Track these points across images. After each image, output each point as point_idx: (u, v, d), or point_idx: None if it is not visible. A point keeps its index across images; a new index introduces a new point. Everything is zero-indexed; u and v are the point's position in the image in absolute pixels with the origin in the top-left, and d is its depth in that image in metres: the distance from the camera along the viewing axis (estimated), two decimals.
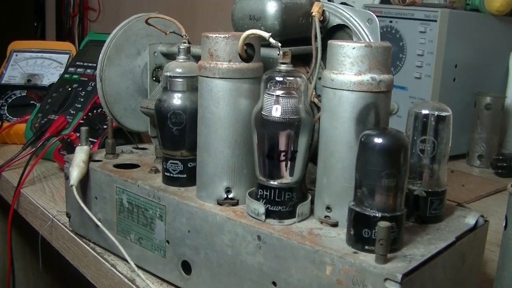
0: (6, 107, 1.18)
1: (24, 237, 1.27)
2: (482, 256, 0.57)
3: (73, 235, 0.74)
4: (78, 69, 1.13)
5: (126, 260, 0.61)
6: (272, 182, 0.51)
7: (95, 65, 0.83)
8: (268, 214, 0.51)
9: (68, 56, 1.30)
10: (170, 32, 0.73)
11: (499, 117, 1.08)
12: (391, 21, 1.10)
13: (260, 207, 0.51)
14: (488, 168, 1.05)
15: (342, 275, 0.44)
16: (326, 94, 0.50)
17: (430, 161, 0.55)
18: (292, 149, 0.51)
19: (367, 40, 0.60)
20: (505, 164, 1.01)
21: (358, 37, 0.61)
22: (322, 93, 0.51)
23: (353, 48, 0.48)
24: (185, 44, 0.64)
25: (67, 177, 0.69)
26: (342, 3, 0.99)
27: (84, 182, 0.68)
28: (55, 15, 2.56)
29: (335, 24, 0.63)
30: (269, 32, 0.53)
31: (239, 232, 0.52)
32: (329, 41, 0.51)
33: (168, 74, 0.61)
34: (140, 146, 0.78)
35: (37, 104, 1.14)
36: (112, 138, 0.72)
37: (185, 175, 0.61)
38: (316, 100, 0.58)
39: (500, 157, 1.03)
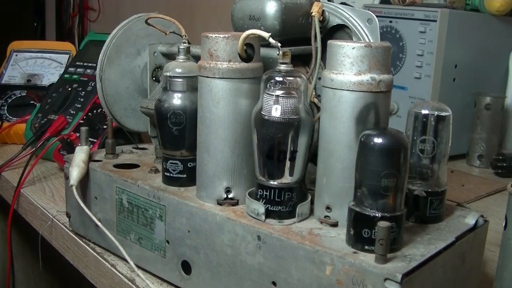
0: (6, 107, 1.18)
1: (24, 237, 1.27)
2: (482, 256, 0.57)
3: (73, 235, 0.74)
4: (78, 69, 1.13)
5: (126, 260, 0.61)
6: (272, 182, 0.51)
7: (95, 65, 0.83)
8: (268, 214, 0.51)
9: (68, 56, 1.30)
10: (170, 32, 0.73)
11: (499, 117, 1.08)
12: (391, 21, 1.10)
13: (260, 207, 0.51)
14: (488, 168, 1.05)
15: (342, 275, 0.44)
16: (325, 94, 0.50)
17: (430, 161, 0.55)
18: (292, 149, 0.51)
19: (367, 40, 0.60)
20: (505, 164, 1.01)
21: (358, 37, 0.61)
22: (322, 93, 0.51)
23: (352, 48, 0.48)
24: (185, 44, 0.64)
25: (67, 177, 0.69)
26: (342, 3, 0.99)
27: (84, 182, 0.68)
28: (55, 15, 2.56)
29: (335, 24, 0.63)
30: (269, 32, 0.53)
31: (239, 232, 0.52)
32: (329, 41, 0.51)
33: (168, 74, 0.61)
34: (140, 146, 0.78)
35: (37, 104, 1.14)
36: (112, 138, 0.72)
37: (185, 175, 0.61)
38: (316, 100, 0.58)
39: (500, 157, 1.03)
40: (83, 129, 0.71)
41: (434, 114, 0.54)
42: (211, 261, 0.55)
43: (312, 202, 0.53)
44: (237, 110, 0.54)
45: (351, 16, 0.61)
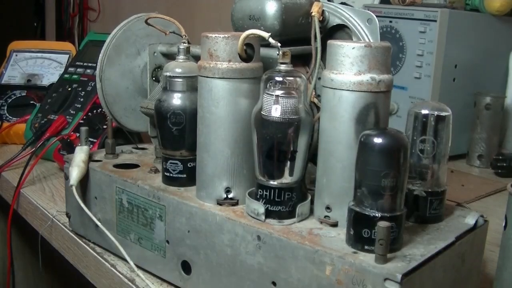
0: (6, 107, 1.18)
1: (24, 237, 1.27)
2: (482, 256, 0.57)
3: (73, 235, 0.74)
4: (78, 69, 1.13)
5: (126, 260, 0.61)
6: (271, 182, 0.51)
7: (95, 65, 0.83)
8: (268, 214, 0.51)
9: (68, 56, 1.30)
10: (170, 32, 0.73)
11: (499, 117, 1.08)
12: (391, 21, 1.10)
13: (259, 207, 0.51)
14: (488, 168, 1.05)
15: (341, 275, 0.44)
16: (325, 94, 0.50)
17: (430, 161, 0.55)
18: (292, 149, 0.51)
19: (367, 40, 0.60)
20: (505, 164, 1.01)
21: (357, 37, 0.61)
22: (321, 93, 0.51)
23: (352, 48, 0.48)
24: (184, 44, 0.64)
25: (67, 177, 0.69)
26: (342, 3, 0.99)
27: (84, 182, 0.68)
28: (55, 15, 2.56)
29: (334, 24, 0.63)
30: (268, 32, 0.53)
31: (239, 232, 0.52)
32: (329, 41, 0.51)
33: (168, 74, 0.61)
34: (140, 146, 0.78)
35: (37, 104, 1.14)
36: (112, 138, 0.72)
37: (184, 175, 0.61)
38: (315, 100, 0.58)
39: (500, 157, 1.03)
40: (83, 129, 0.71)
41: (434, 114, 0.54)
42: (211, 261, 0.55)
43: (312, 202, 0.53)
44: (237, 110, 0.54)
45: (351, 16, 0.61)
